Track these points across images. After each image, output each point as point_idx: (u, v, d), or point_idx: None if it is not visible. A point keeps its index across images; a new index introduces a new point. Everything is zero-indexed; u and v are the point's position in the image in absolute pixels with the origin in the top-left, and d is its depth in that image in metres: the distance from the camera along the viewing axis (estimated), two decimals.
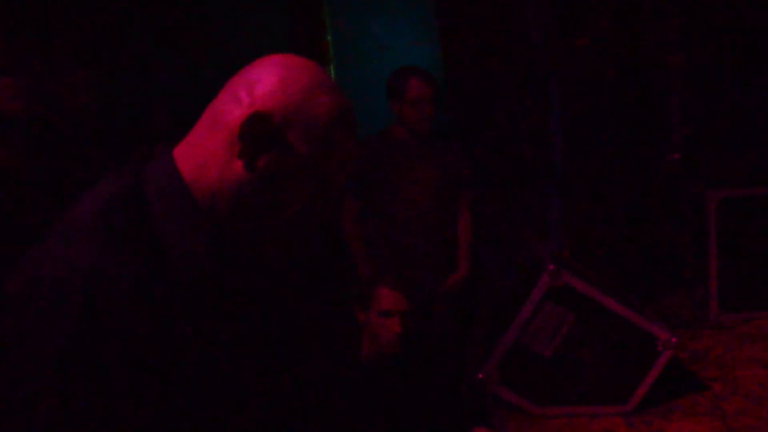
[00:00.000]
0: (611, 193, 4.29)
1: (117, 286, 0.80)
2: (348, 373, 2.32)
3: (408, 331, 2.33)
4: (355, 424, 2.20)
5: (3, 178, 1.58)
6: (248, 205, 0.90)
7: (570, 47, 4.21)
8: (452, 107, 4.06)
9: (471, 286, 3.16)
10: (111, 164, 0.97)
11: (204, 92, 1.02)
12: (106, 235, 0.84)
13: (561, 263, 2.68)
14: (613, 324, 2.60)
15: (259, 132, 0.88)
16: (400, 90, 3.06)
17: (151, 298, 0.82)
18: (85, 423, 0.77)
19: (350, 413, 2.23)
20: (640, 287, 3.80)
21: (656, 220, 4.30)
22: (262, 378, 0.96)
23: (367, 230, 3.11)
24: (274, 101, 0.89)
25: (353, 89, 0.98)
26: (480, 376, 2.54)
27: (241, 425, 0.91)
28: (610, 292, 2.67)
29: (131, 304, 0.80)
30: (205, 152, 0.91)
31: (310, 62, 0.94)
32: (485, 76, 4.17)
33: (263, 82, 0.91)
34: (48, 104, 1.67)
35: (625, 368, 2.62)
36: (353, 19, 3.92)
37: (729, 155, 4.10)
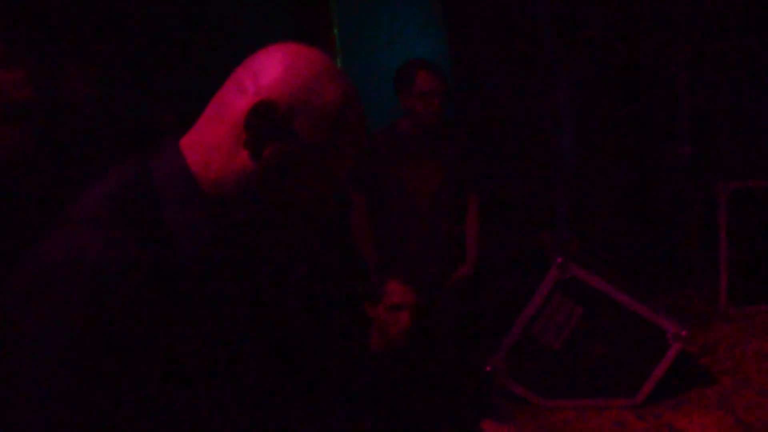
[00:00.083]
0: (620, 186, 4.27)
1: (125, 275, 0.80)
2: (354, 366, 2.32)
3: (417, 324, 2.33)
4: (363, 416, 2.20)
5: (11, 164, 1.59)
6: (255, 194, 0.90)
7: (578, 39, 4.19)
8: (460, 100, 4.05)
9: (478, 280, 3.16)
10: (117, 155, 0.97)
11: (209, 87, 1.01)
12: (113, 224, 0.84)
13: (569, 256, 2.66)
14: (622, 317, 2.59)
15: (265, 121, 0.88)
16: (407, 83, 3.04)
17: (158, 287, 0.82)
18: (97, 409, 0.78)
19: (357, 406, 2.23)
20: (650, 280, 3.79)
21: (666, 213, 4.28)
22: (266, 366, 0.96)
23: (374, 224, 3.10)
24: (279, 90, 0.89)
25: (360, 83, 0.98)
26: (488, 368, 2.53)
27: (245, 411, 0.91)
28: (619, 285, 2.65)
29: (139, 292, 0.81)
30: (211, 142, 0.91)
31: (314, 50, 0.94)
32: (493, 68, 4.15)
33: (268, 70, 0.90)
34: (55, 94, 1.68)
35: (634, 361, 2.61)
36: (359, 13, 3.91)
37: (740, 147, 4.07)
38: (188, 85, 2.91)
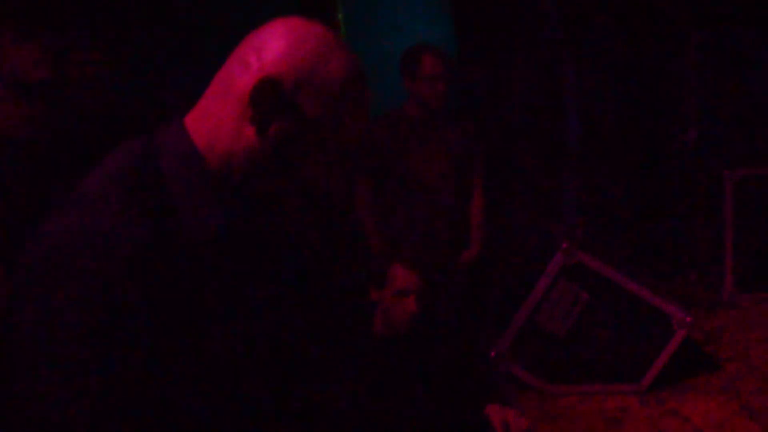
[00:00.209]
0: (626, 172, 4.25)
1: (138, 252, 0.81)
2: (358, 349, 2.32)
3: (422, 309, 2.33)
4: (365, 400, 2.20)
5: (23, 144, 1.59)
6: (261, 170, 0.90)
7: (585, 24, 4.16)
8: (465, 84, 4.03)
9: (484, 265, 3.15)
10: (122, 136, 0.97)
11: (211, 67, 1.01)
12: (124, 202, 0.84)
13: (575, 241, 2.66)
14: (628, 302, 2.59)
15: (270, 97, 0.87)
16: (413, 67, 3.03)
17: (168, 263, 0.82)
18: (111, 381, 0.78)
19: (360, 389, 2.23)
20: (655, 266, 3.78)
21: (672, 199, 4.27)
22: (273, 342, 0.96)
23: (380, 208, 3.10)
24: (283, 65, 0.88)
25: (365, 67, 0.97)
26: (493, 354, 2.53)
27: (254, 385, 0.91)
28: (625, 271, 2.65)
29: (151, 269, 0.81)
30: (216, 119, 0.90)
31: (317, 24, 0.93)
32: (499, 53, 4.13)
33: (271, 46, 0.89)
34: (66, 76, 1.68)
35: (639, 347, 2.61)
36: None
37: (747, 133, 4.05)
38: (190, 65, 2.90)
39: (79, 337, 0.78)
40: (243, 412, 0.89)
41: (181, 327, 0.83)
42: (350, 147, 0.93)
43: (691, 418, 2.38)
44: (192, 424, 0.84)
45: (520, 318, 2.59)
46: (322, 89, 0.89)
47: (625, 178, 4.26)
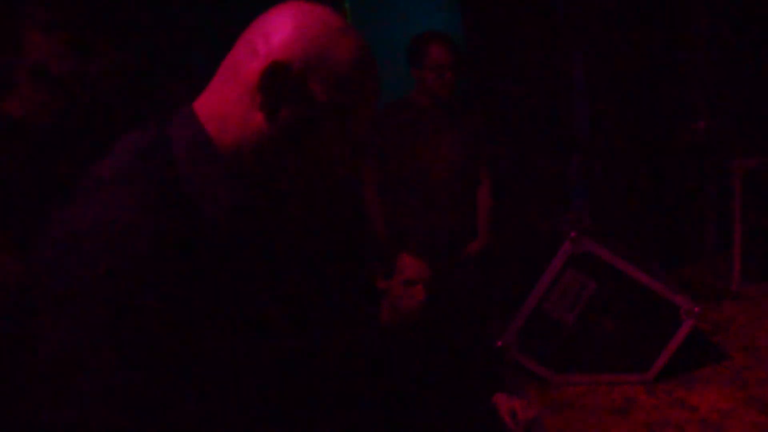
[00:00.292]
0: (634, 162, 4.23)
1: (156, 239, 0.80)
2: (365, 338, 2.33)
3: (430, 298, 2.33)
4: (373, 389, 2.20)
5: (38, 130, 1.60)
6: (271, 156, 0.89)
7: (594, 11, 4.13)
8: (472, 74, 4.01)
9: (491, 254, 3.15)
10: (133, 123, 0.96)
11: (217, 54, 1.00)
12: (138, 190, 0.84)
13: (582, 231, 2.65)
14: (635, 292, 2.57)
15: (279, 82, 0.87)
16: (420, 56, 3.02)
17: (181, 250, 0.82)
18: (130, 369, 0.78)
19: (367, 378, 2.23)
20: (663, 256, 3.77)
21: (680, 189, 4.25)
22: (283, 329, 0.96)
23: (386, 198, 3.09)
24: (292, 49, 0.87)
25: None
26: (499, 343, 2.53)
27: (266, 375, 0.91)
28: (632, 261, 2.64)
29: (169, 256, 0.80)
30: (225, 105, 0.90)
31: (324, 7, 0.92)
32: (506, 41, 4.11)
33: (279, 30, 0.89)
34: (88, 69, 1.69)
35: (647, 337, 2.60)
36: None
37: (756, 124, 4.02)
38: (197, 51, 2.90)
39: (99, 328, 0.77)
40: (254, 400, 0.89)
41: (198, 316, 0.82)
42: (360, 131, 0.92)
43: (698, 409, 2.37)
44: (207, 414, 0.84)
45: (527, 307, 2.58)
46: (332, 73, 0.88)
47: (632, 167, 4.24)
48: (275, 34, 0.88)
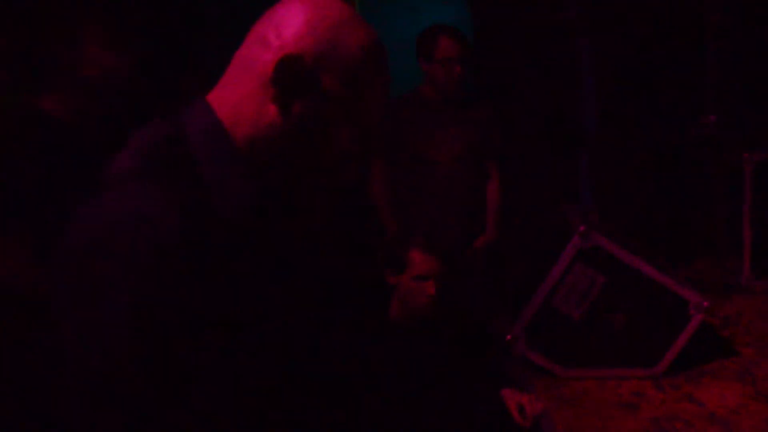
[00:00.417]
0: (643, 156, 4.21)
1: (176, 234, 0.80)
2: (374, 332, 2.33)
3: (440, 294, 2.33)
4: (381, 384, 2.21)
5: (68, 128, 1.63)
6: (285, 149, 0.89)
7: (602, 4, 4.11)
8: (481, 67, 4.00)
9: (499, 248, 3.15)
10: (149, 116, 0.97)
11: (229, 48, 1.00)
12: (159, 184, 0.84)
13: (591, 225, 2.64)
14: (644, 287, 2.57)
15: (292, 75, 0.87)
16: (429, 49, 3.01)
17: (204, 244, 0.82)
18: (161, 360, 0.79)
19: (375, 373, 2.24)
20: (672, 251, 3.76)
21: (689, 183, 4.23)
22: (295, 325, 0.97)
23: (395, 192, 3.09)
24: (304, 42, 0.87)
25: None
26: (508, 338, 2.53)
27: (276, 369, 0.92)
28: (641, 255, 2.63)
29: (189, 251, 0.81)
30: (238, 98, 0.90)
31: None
32: (515, 35, 4.09)
33: (290, 23, 0.88)
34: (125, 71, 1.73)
35: (655, 332, 2.60)
36: None
37: (767, 117, 3.99)
38: (209, 46, 2.90)
39: (125, 322, 0.77)
40: (262, 396, 0.90)
41: (214, 312, 0.83)
42: (371, 123, 0.92)
43: (706, 404, 2.37)
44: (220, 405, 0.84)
45: (535, 302, 2.58)
46: (343, 64, 0.88)
47: (642, 161, 4.23)
48: (287, 26, 0.88)
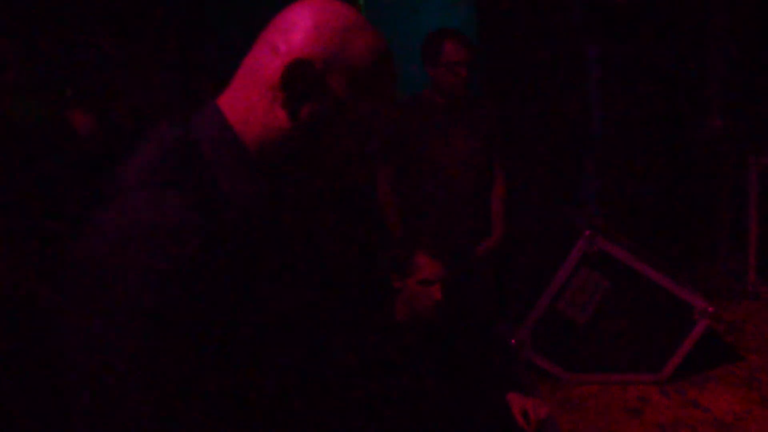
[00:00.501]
0: (649, 160, 4.21)
1: (196, 239, 0.80)
2: (380, 336, 2.33)
3: (446, 298, 2.33)
4: (386, 387, 2.21)
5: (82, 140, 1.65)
6: (294, 153, 0.90)
7: (608, 8, 4.10)
8: (487, 71, 4.00)
9: (505, 252, 3.14)
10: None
11: (238, 52, 1.00)
12: (176, 188, 0.84)
13: (597, 229, 2.64)
14: (649, 292, 2.56)
15: (301, 80, 0.87)
16: (434, 53, 3.00)
17: (221, 248, 0.82)
18: (178, 358, 0.79)
19: (381, 376, 2.24)
20: (677, 255, 3.75)
21: (695, 187, 4.22)
22: (303, 327, 0.97)
23: (400, 196, 3.09)
24: (312, 47, 0.87)
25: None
26: (513, 342, 2.53)
27: (286, 359, 0.92)
28: (646, 260, 2.63)
29: (208, 255, 0.80)
30: (247, 103, 0.90)
31: (341, 3, 0.92)
32: (521, 38, 4.09)
33: (298, 28, 0.89)
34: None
35: (660, 337, 2.59)
36: None
37: None
38: (216, 49, 2.91)
39: (147, 328, 0.77)
40: (271, 394, 0.90)
41: (230, 313, 0.83)
42: (378, 127, 0.93)
43: (711, 409, 2.37)
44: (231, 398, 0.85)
45: (540, 306, 2.58)
46: (352, 70, 0.88)
47: (647, 165, 4.22)
48: (295, 31, 0.88)
